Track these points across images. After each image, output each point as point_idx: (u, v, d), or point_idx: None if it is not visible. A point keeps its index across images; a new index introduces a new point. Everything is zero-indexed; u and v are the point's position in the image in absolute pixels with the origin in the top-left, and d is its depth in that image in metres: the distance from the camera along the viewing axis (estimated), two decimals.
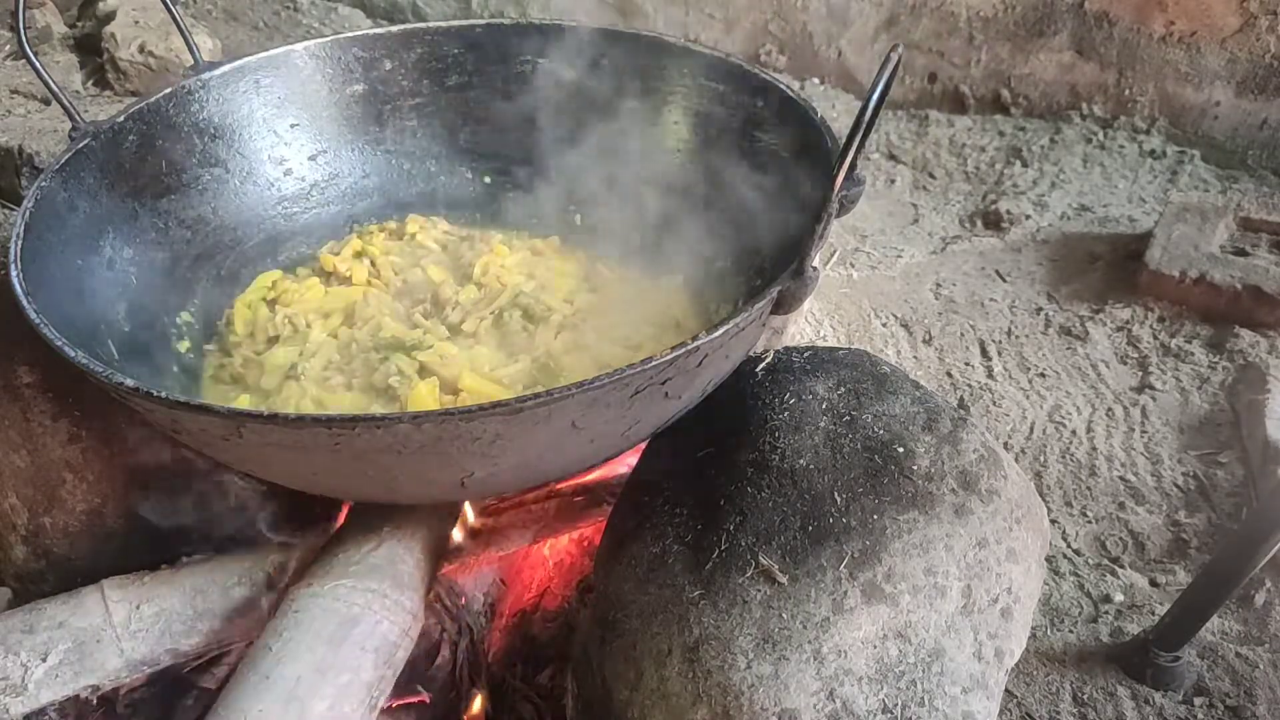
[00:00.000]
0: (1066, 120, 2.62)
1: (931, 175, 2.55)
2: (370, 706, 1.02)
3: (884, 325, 2.01)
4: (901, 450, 1.06)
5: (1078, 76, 2.59)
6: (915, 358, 1.93)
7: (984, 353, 1.93)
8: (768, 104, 1.29)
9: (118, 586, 1.15)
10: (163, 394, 0.83)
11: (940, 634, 0.96)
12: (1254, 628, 1.37)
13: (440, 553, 1.21)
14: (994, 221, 2.33)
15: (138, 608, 1.13)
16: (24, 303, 0.93)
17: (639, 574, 1.04)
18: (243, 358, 1.29)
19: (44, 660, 1.08)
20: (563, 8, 3.20)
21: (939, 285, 2.13)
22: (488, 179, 1.58)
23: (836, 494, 1.01)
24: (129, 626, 1.11)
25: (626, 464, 1.24)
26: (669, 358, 0.84)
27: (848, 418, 1.09)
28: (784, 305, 0.93)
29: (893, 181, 2.55)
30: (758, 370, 1.17)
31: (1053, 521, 1.54)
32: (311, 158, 1.50)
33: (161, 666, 1.16)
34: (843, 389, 1.13)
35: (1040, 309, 2.04)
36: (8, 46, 2.81)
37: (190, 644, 1.15)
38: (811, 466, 1.04)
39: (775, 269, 0.95)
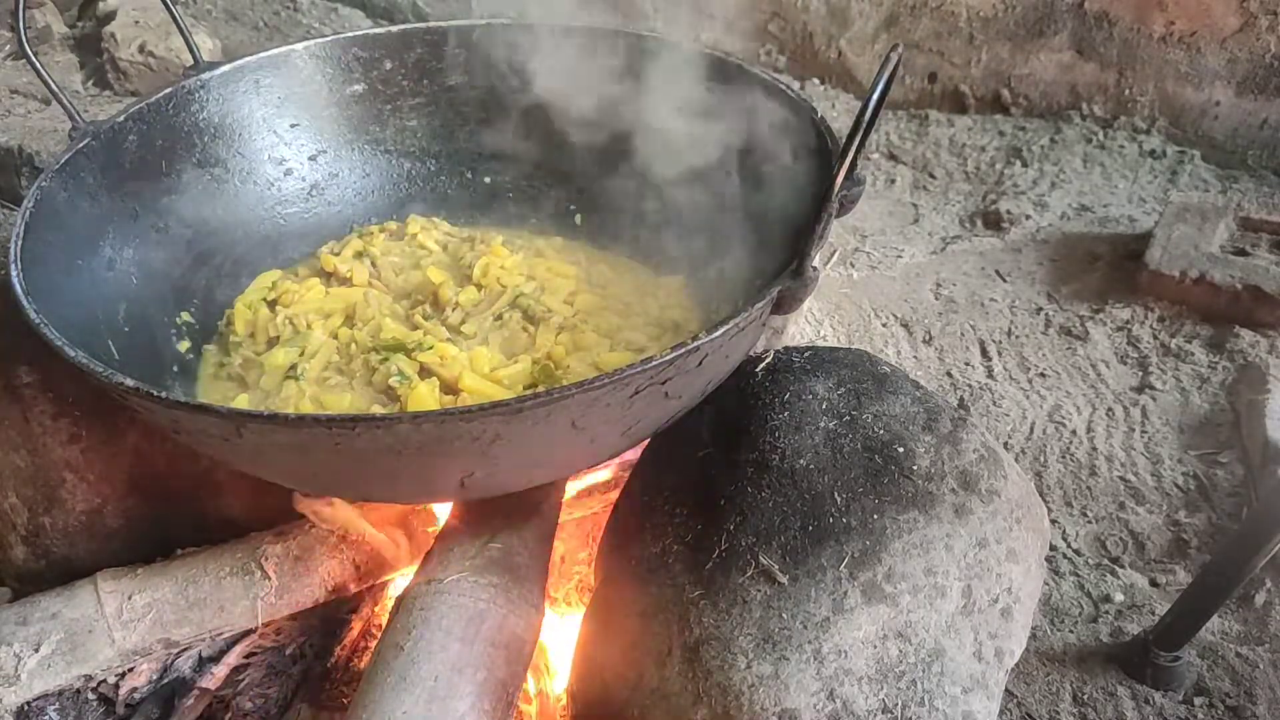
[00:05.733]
0: (1066, 120, 2.62)
1: (931, 175, 2.55)
2: (508, 704, 1.01)
3: (884, 325, 2.01)
4: (901, 450, 1.06)
5: (1078, 76, 2.59)
6: (915, 358, 1.93)
7: (984, 353, 1.93)
8: (768, 104, 1.29)
9: (111, 578, 1.16)
10: (163, 394, 0.83)
11: (940, 634, 0.96)
12: (1254, 628, 1.37)
13: (551, 540, 1.19)
14: (994, 221, 2.33)
15: (130, 598, 1.14)
16: (24, 303, 0.93)
17: (639, 574, 1.04)
18: (243, 358, 1.29)
19: (36, 650, 1.09)
20: (562, 8, 3.20)
21: (939, 285, 2.13)
22: (488, 179, 1.58)
23: (837, 494, 1.01)
24: (120, 616, 1.12)
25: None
26: (669, 358, 0.84)
27: (848, 418, 1.09)
28: (784, 305, 0.93)
29: (893, 181, 2.54)
30: (758, 370, 1.17)
31: (1053, 521, 1.54)
32: (311, 158, 1.50)
33: (154, 655, 1.16)
34: (843, 389, 1.13)
35: (1040, 309, 2.04)
36: (8, 46, 2.81)
37: (183, 633, 1.15)
38: (811, 466, 1.04)
39: (775, 269, 0.95)
